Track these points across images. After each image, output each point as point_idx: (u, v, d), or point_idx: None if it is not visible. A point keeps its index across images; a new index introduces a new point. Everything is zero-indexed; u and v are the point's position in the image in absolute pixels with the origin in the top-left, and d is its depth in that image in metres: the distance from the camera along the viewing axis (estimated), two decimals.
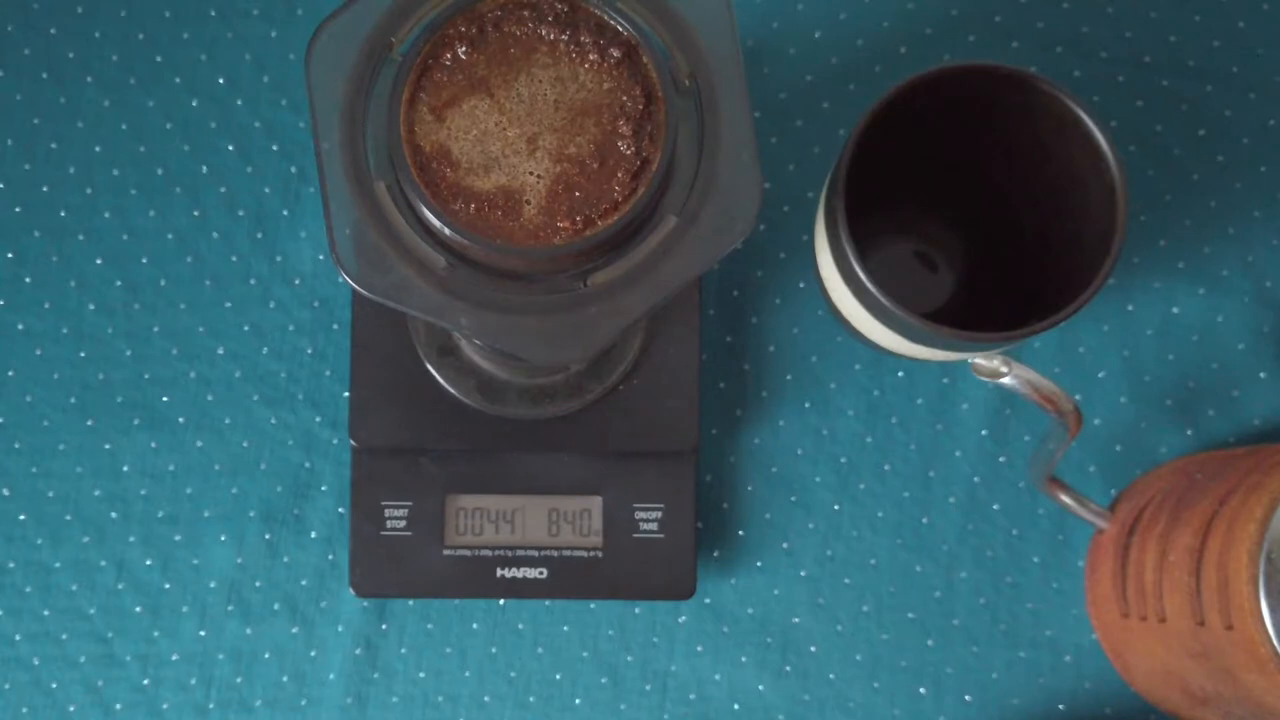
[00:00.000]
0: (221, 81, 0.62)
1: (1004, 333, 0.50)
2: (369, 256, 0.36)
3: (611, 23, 0.38)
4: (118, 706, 0.59)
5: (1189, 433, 0.61)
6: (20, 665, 0.59)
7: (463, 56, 0.38)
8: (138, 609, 0.60)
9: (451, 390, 0.56)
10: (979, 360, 0.49)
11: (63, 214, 0.61)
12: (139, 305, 0.61)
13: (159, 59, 0.62)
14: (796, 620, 0.60)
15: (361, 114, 0.36)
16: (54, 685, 0.59)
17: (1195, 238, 0.62)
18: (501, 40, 0.38)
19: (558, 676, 0.60)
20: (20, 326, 0.61)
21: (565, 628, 0.60)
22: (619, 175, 0.37)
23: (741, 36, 0.42)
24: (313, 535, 0.60)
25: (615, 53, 0.38)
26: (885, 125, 0.51)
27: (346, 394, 0.60)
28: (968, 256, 0.61)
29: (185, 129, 0.61)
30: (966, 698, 0.60)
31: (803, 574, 0.60)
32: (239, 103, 0.61)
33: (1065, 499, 0.57)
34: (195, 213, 0.61)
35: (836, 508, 0.61)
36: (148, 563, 0.60)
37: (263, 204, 0.61)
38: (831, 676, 0.60)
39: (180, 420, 0.60)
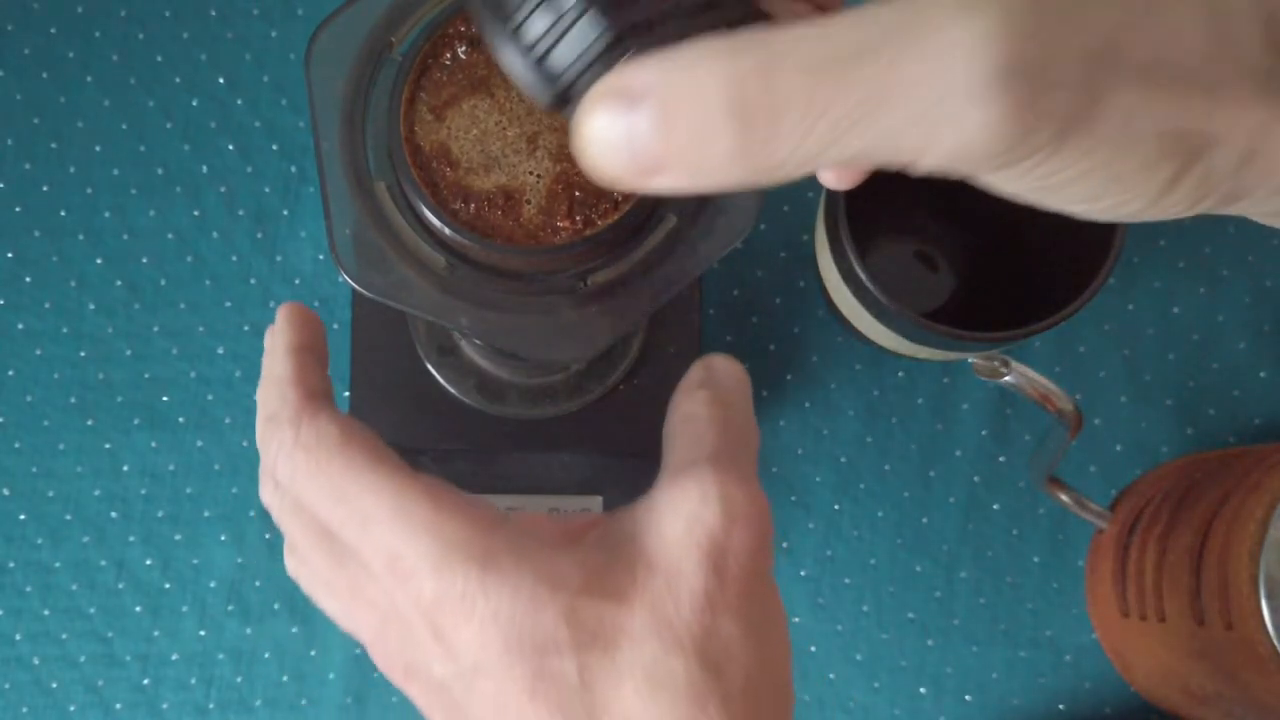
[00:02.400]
0: (221, 81, 0.62)
1: (1004, 333, 0.50)
2: (369, 256, 0.36)
3: None
4: (118, 706, 0.59)
5: (1189, 432, 0.61)
6: (20, 665, 0.59)
7: (463, 56, 0.38)
8: (138, 609, 0.60)
9: (451, 390, 0.56)
10: (979, 360, 0.49)
11: (63, 214, 0.61)
12: (139, 305, 0.61)
13: (159, 59, 0.62)
14: (796, 620, 0.60)
15: (361, 114, 0.36)
16: (54, 685, 0.59)
17: (1195, 237, 0.62)
18: None
19: None
20: (20, 326, 0.61)
21: None
22: None
23: None
24: None
25: None
26: None
27: (346, 394, 0.60)
28: (968, 256, 0.61)
29: (185, 129, 0.61)
30: (966, 698, 0.60)
31: (803, 574, 0.60)
32: (239, 102, 0.61)
33: (1065, 499, 0.57)
34: (195, 212, 0.61)
35: (836, 507, 0.61)
36: (148, 562, 0.60)
37: (263, 204, 0.61)
38: (831, 676, 0.60)
39: (180, 420, 0.60)
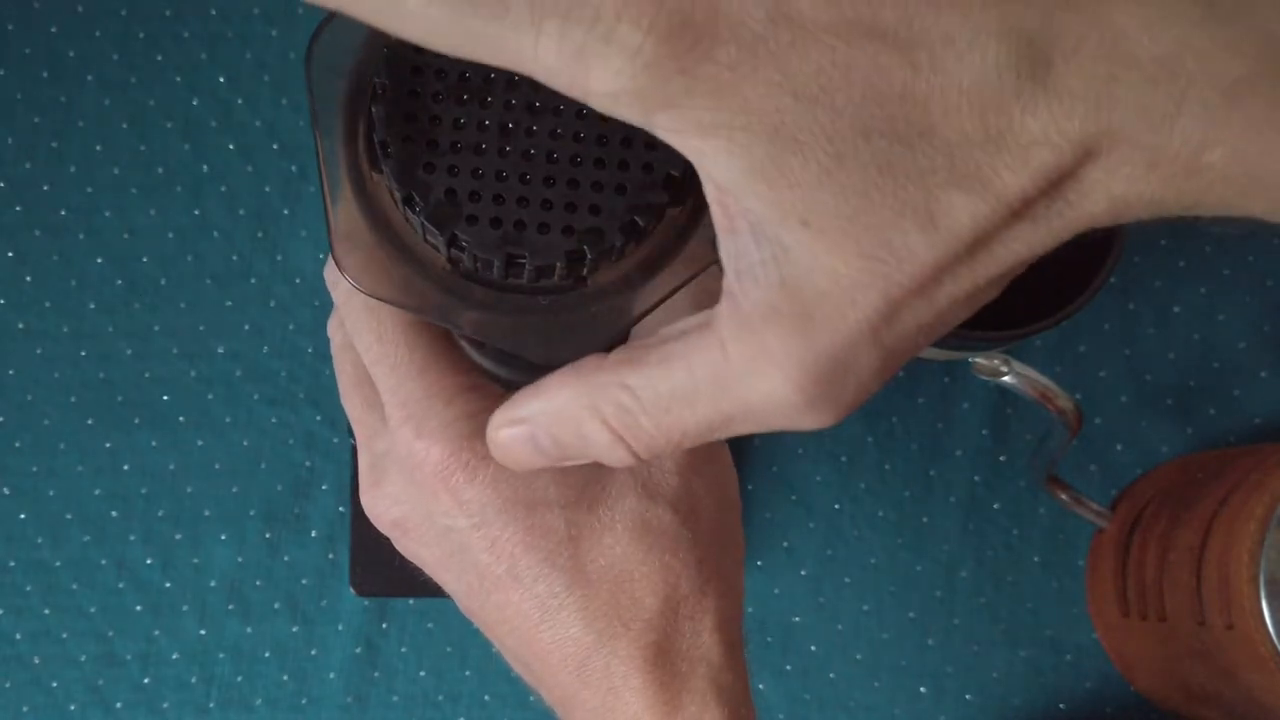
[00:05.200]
0: (222, 80, 0.62)
1: (1004, 332, 0.50)
2: (369, 257, 0.36)
3: None
4: (118, 705, 0.59)
5: (1189, 432, 0.61)
6: (21, 664, 0.59)
7: None
8: (138, 608, 0.60)
9: None
10: (979, 359, 0.49)
11: (63, 213, 0.61)
12: (139, 304, 0.61)
13: (159, 58, 0.62)
14: (797, 619, 0.60)
15: (362, 114, 0.36)
16: (54, 684, 0.59)
17: (1196, 237, 0.62)
18: None
19: None
20: (20, 325, 0.61)
21: None
22: None
23: None
24: (313, 534, 0.60)
25: None
26: None
27: None
28: None
29: (186, 128, 0.61)
30: (967, 697, 0.60)
31: (803, 573, 0.60)
32: (240, 101, 0.61)
33: (1065, 498, 0.57)
34: (196, 212, 0.61)
35: (837, 507, 0.61)
36: (148, 561, 0.60)
37: (263, 203, 0.61)
38: (831, 676, 0.60)
39: (181, 419, 0.60)
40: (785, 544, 0.61)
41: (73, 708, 0.59)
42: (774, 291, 0.29)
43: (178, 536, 0.60)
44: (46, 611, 0.59)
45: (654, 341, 0.32)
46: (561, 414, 0.33)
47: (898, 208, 0.27)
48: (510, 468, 0.34)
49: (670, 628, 0.37)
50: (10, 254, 0.61)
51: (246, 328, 0.61)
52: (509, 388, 0.56)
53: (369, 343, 0.38)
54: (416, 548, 0.39)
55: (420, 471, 0.37)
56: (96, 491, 0.60)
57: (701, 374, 0.30)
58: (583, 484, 0.37)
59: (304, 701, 0.59)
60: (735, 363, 0.30)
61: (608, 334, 0.36)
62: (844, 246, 0.28)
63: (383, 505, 0.39)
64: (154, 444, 0.60)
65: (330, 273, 0.39)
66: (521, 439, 0.33)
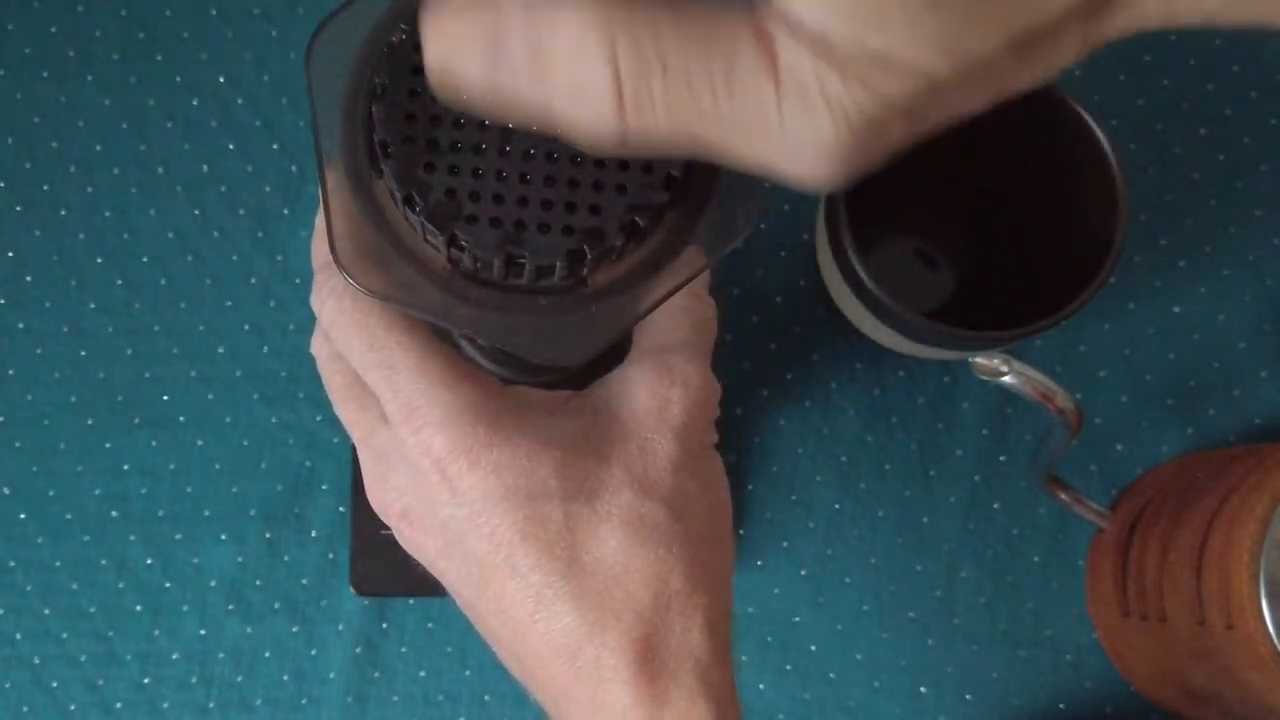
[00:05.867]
0: (222, 80, 0.62)
1: (1004, 332, 0.50)
2: (369, 256, 0.36)
3: None
4: (118, 705, 0.59)
5: (1190, 432, 0.61)
6: (21, 664, 0.59)
7: None
8: (138, 608, 0.60)
9: None
10: (979, 359, 0.49)
11: (63, 213, 0.61)
12: (139, 304, 0.61)
13: (159, 58, 0.62)
14: (797, 619, 0.60)
15: (362, 114, 0.36)
16: (54, 684, 0.59)
17: (1196, 237, 0.62)
18: None
19: None
20: (21, 325, 0.61)
21: None
22: None
23: None
24: (313, 534, 0.60)
25: None
26: None
27: None
28: (968, 256, 0.61)
29: (186, 128, 0.61)
30: (967, 697, 0.60)
31: (803, 573, 0.60)
32: (240, 101, 0.61)
33: (1066, 498, 0.57)
34: (196, 212, 0.61)
35: (837, 507, 0.61)
36: (148, 562, 0.60)
37: (263, 203, 0.61)
38: (832, 676, 0.60)
39: (181, 419, 0.60)
40: (785, 544, 0.61)
41: (73, 708, 0.59)
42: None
43: (178, 536, 0.60)
44: (46, 611, 0.59)
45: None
46: (561, 19, 0.26)
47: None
48: (434, 71, 0.28)
49: (661, 622, 0.38)
50: (10, 254, 0.61)
51: (246, 328, 0.61)
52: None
53: (361, 352, 0.38)
54: (421, 539, 0.39)
55: (424, 460, 0.37)
56: (96, 491, 0.60)
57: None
58: (583, 477, 0.38)
59: (304, 701, 0.59)
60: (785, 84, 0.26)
61: (608, 334, 0.36)
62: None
63: (390, 498, 0.39)
64: (154, 444, 0.60)
65: (315, 296, 0.40)
66: (480, 27, 0.27)
